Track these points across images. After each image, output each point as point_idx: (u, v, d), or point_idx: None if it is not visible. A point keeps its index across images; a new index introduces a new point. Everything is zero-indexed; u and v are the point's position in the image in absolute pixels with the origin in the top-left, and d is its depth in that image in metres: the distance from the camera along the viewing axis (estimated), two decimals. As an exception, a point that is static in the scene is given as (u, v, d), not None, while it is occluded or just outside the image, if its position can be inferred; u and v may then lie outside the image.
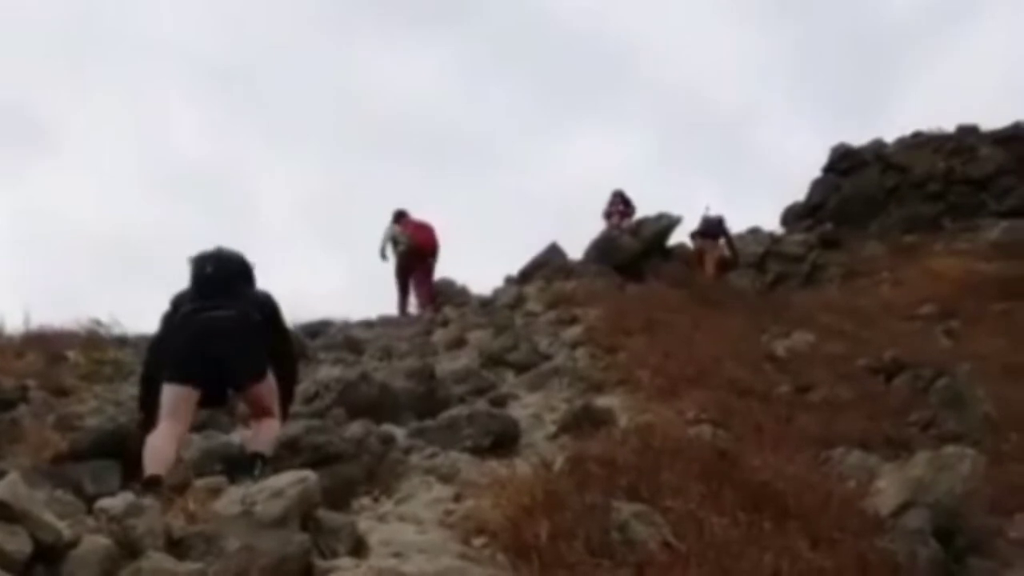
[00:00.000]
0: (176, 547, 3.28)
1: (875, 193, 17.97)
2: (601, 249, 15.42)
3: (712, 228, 15.30)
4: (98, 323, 9.03)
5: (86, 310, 11.34)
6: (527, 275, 15.34)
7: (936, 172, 17.56)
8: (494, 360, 8.18)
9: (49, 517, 3.12)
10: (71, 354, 7.86)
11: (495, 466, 4.79)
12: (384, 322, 12.56)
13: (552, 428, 5.72)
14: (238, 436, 5.38)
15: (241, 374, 4.57)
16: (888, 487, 4.49)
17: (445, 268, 13.82)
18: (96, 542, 3.11)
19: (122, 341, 8.79)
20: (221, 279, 4.67)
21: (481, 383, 7.10)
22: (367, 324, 12.30)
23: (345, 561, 3.37)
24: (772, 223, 19.30)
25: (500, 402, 6.50)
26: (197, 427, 5.18)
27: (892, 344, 8.29)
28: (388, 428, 5.56)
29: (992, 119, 18.47)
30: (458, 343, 9.64)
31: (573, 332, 9.28)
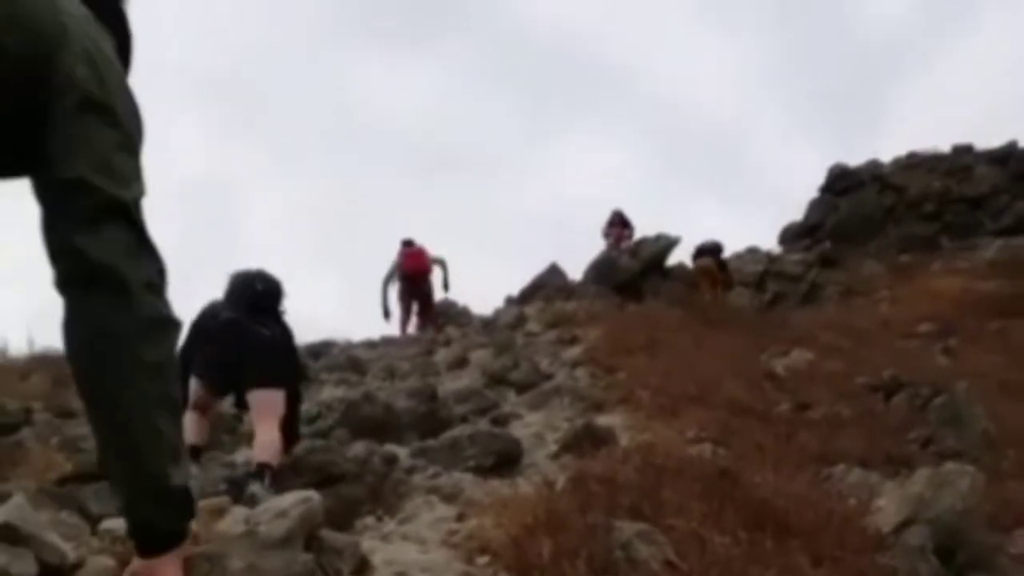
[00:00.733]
0: (181, 567, 3.30)
1: (872, 213, 18.08)
2: (600, 269, 15.52)
3: (713, 248, 15.38)
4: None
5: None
6: (527, 295, 15.46)
7: (932, 192, 17.68)
8: (496, 380, 8.22)
9: (54, 539, 3.13)
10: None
11: (498, 485, 4.82)
12: (386, 342, 12.63)
13: (554, 447, 5.74)
14: (241, 456, 5.43)
15: (272, 385, 4.93)
16: (888, 504, 4.51)
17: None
18: (101, 563, 3.12)
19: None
20: (268, 299, 5.11)
21: (483, 403, 7.13)
22: (370, 344, 12.37)
23: (350, 581, 3.39)
24: (769, 242, 19.42)
25: (502, 421, 6.53)
26: (201, 449, 5.24)
27: (891, 362, 8.33)
28: (391, 448, 5.59)
29: (987, 138, 18.62)
30: (460, 363, 9.68)
31: (574, 352, 9.33)
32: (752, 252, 18.19)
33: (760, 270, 16.85)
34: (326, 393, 7.56)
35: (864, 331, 11.25)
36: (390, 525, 4.52)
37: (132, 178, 1.31)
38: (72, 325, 1.25)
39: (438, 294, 13.98)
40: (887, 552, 3.97)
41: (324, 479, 4.77)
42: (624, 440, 5.56)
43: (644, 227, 16.80)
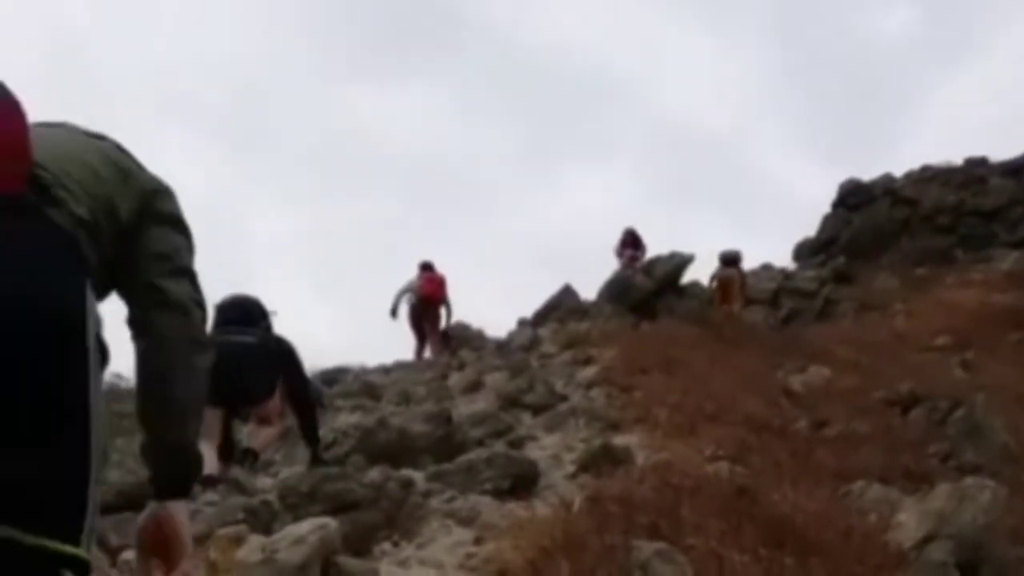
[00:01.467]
0: (200, 596, 3.32)
1: (886, 227, 18.02)
2: (614, 289, 15.51)
3: (733, 259, 15.32)
4: (118, 376, 9.10)
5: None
6: (541, 317, 15.45)
7: (946, 205, 17.62)
8: (511, 402, 8.20)
9: (75, 569, 3.16)
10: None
11: (514, 508, 4.81)
12: (400, 367, 12.64)
13: (570, 468, 5.73)
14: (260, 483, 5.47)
15: (257, 393, 5.63)
16: (909, 520, 4.47)
17: (459, 312, 14.23)
18: (121, 593, 3.15)
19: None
20: (240, 310, 5.67)
21: (498, 425, 7.12)
22: (384, 370, 12.39)
23: (368, 606, 3.39)
24: (783, 258, 19.37)
25: (518, 444, 6.52)
26: (217, 481, 5.36)
27: (908, 376, 8.27)
28: (407, 473, 5.59)
29: (1001, 150, 18.56)
30: (475, 386, 9.68)
31: (589, 372, 9.31)
32: (766, 269, 18.15)
33: (774, 287, 16.80)
34: (341, 420, 7.57)
35: (880, 346, 11.18)
36: (407, 550, 4.52)
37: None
38: (152, 334, 1.66)
39: (443, 322, 14.18)
40: (908, 568, 3.93)
41: (340, 506, 4.77)
42: (641, 459, 5.55)
43: (656, 245, 16.80)
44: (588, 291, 16.18)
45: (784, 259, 19.34)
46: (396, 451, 6.17)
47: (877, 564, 3.78)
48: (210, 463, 5.17)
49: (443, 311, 13.96)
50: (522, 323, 15.66)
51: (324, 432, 6.41)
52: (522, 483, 5.36)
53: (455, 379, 10.52)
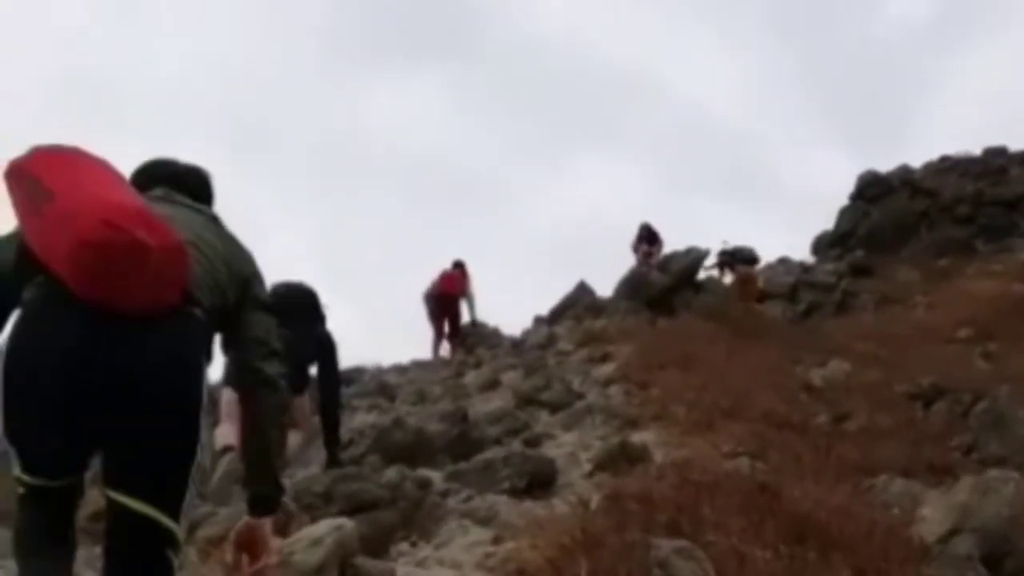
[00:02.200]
0: (216, 598, 3.30)
1: (905, 218, 17.86)
2: (631, 285, 15.43)
3: (747, 255, 15.29)
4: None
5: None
6: (557, 315, 15.41)
7: (965, 195, 17.44)
8: (527, 400, 8.17)
9: (89, 574, 3.16)
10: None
11: (532, 507, 4.78)
12: (417, 366, 12.64)
13: (588, 466, 5.68)
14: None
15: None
16: (933, 514, 4.41)
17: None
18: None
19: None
20: (282, 304, 5.42)
21: (515, 424, 7.09)
22: (399, 369, 12.38)
23: (385, 607, 3.37)
24: (800, 251, 19.23)
25: (535, 442, 6.48)
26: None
27: (929, 369, 8.18)
28: (424, 472, 5.57)
29: (1019, 139, 18.37)
30: (491, 384, 9.65)
31: (605, 369, 9.27)
32: (784, 263, 18.03)
33: (792, 281, 16.68)
34: (358, 420, 7.57)
35: (901, 338, 11.07)
36: (425, 550, 4.49)
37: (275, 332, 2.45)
38: (255, 402, 2.37)
39: (464, 317, 14.42)
40: (933, 562, 3.87)
41: (357, 506, 4.75)
42: (659, 457, 5.50)
43: (671, 240, 16.73)
44: (604, 287, 16.12)
45: (802, 252, 19.20)
46: (413, 451, 6.15)
47: (901, 559, 3.73)
48: (231, 436, 5.65)
49: (464, 306, 14.21)
50: (538, 321, 15.63)
51: (341, 433, 6.40)
52: (540, 482, 5.33)
53: (471, 377, 10.50)
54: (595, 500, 4.39)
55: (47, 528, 2.18)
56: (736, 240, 15.67)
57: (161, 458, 2.08)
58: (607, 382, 8.62)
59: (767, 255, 17.18)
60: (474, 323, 14.46)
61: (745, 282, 15.03)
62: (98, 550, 4.10)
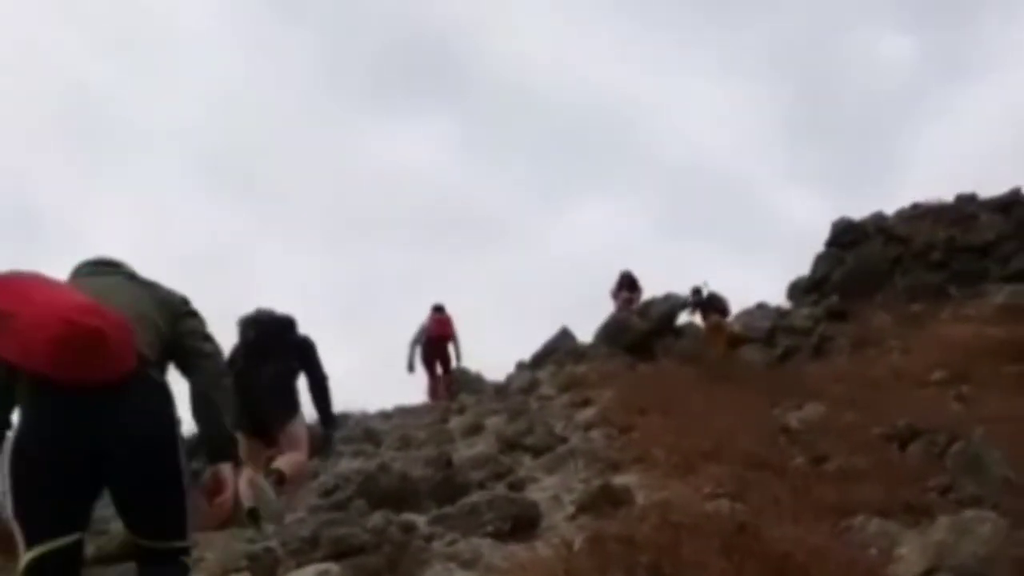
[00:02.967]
0: (206, 641, 3.33)
1: (879, 264, 18.11)
2: (611, 331, 15.58)
3: (718, 304, 15.52)
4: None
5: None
6: (540, 360, 15.51)
7: (937, 241, 17.72)
8: (511, 444, 8.22)
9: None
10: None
11: (516, 550, 4.82)
12: (401, 412, 12.66)
13: (571, 509, 5.74)
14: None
15: (279, 419, 5.81)
16: (910, 554, 4.49)
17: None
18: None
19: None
20: (262, 342, 5.89)
21: (499, 468, 7.13)
22: (384, 415, 12.39)
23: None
24: (777, 297, 19.45)
25: (518, 486, 6.53)
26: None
27: (905, 411, 8.28)
28: (409, 517, 5.61)
29: (990, 187, 18.73)
30: (475, 429, 9.70)
31: (587, 413, 9.34)
32: (761, 308, 18.20)
33: (769, 325, 16.84)
34: (343, 465, 7.58)
35: (877, 381, 11.20)
36: (411, 593, 4.52)
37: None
38: (197, 371, 2.88)
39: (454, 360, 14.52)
40: (910, 600, 3.95)
41: (343, 551, 4.78)
42: (641, 499, 5.56)
43: (651, 283, 16.93)
44: (585, 333, 16.27)
45: (778, 297, 19.42)
46: (398, 495, 6.18)
47: (879, 597, 3.80)
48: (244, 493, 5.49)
49: (452, 350, 14.37)
50: (520, 366, 15.72)
51: (326, 478, 6.45)
52: (523, 524, 5.38)
53: (455, 422, 10.53)
54: (578, 542, 4.44)
55: None
56: (719, 284, 15.89)
57: (155, 499, 2.59)
58: (589, 426, 8.69)
59: (747, 299, 17.40)
60: (458, 366, 14.58)
61: (715, 330, 15.24)
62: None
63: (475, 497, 5.77)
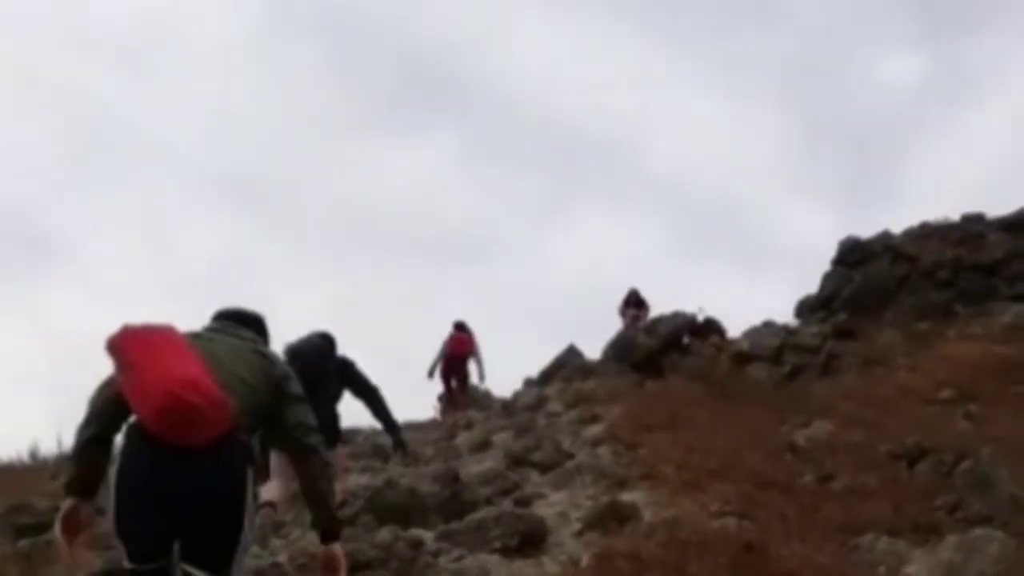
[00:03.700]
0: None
1: (886, 283, 18.07)
2: (618, 348, 15.58)
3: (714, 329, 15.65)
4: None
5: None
6: (547, 377, 15.52)
7: (945, 260, 17.69)
8: (518, 461, 8.23)
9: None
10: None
11: (523, 566, 4.84)
12: (409, 428, 12.66)
13: (578, 526, 5.75)
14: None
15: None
16: (918, 572, 4.50)
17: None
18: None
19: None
20: (306, 374, 5.56)
21: (506, 484, 7.14)
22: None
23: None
24: (785, 315, 19.42)
25: (526, 502, 6.54)
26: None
27: (913, 429, 8.27)
28: (416, 532, 5.62)
29: (997, 206, 18.69)
30: (482, 445, 9.71)
31: (595, 430, 9.34)
32: (768, 326, 18.17)
33: (777, 343, 16.81)
34: (351, 481, 7.58)
35: (884, 400, 11.17)
36: (419, 609, 4.54)
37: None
38: (307, 465, 3.24)
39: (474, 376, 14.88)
40: (918, 619, 3.95)
41: (351, 567, 4.78)
42: (648, 516, 5.57)
43: (658, 302, 16.94)
44: (594, 351, 16.27)
45: (786, 315, 19.38)
46: (405, 511, 6.20)
47: (886, 615, 3.80)
48: (274, 493, 5.60)
49: (473, 367, 14.71)
50: (528, 382, 15.74)
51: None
52: (530, 541, 5.39)
53: (463, 438, 10.54)
54: (585, 559, 4.46)
55: None
56: (725, 301, 15.93)
57: (218, 543, 2.98)
58: (596, 442, 8.69)
59: (755, 317, 17.37)
60: (480, 383, 14.94)
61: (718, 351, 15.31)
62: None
63: (482, 513, 5.78)
